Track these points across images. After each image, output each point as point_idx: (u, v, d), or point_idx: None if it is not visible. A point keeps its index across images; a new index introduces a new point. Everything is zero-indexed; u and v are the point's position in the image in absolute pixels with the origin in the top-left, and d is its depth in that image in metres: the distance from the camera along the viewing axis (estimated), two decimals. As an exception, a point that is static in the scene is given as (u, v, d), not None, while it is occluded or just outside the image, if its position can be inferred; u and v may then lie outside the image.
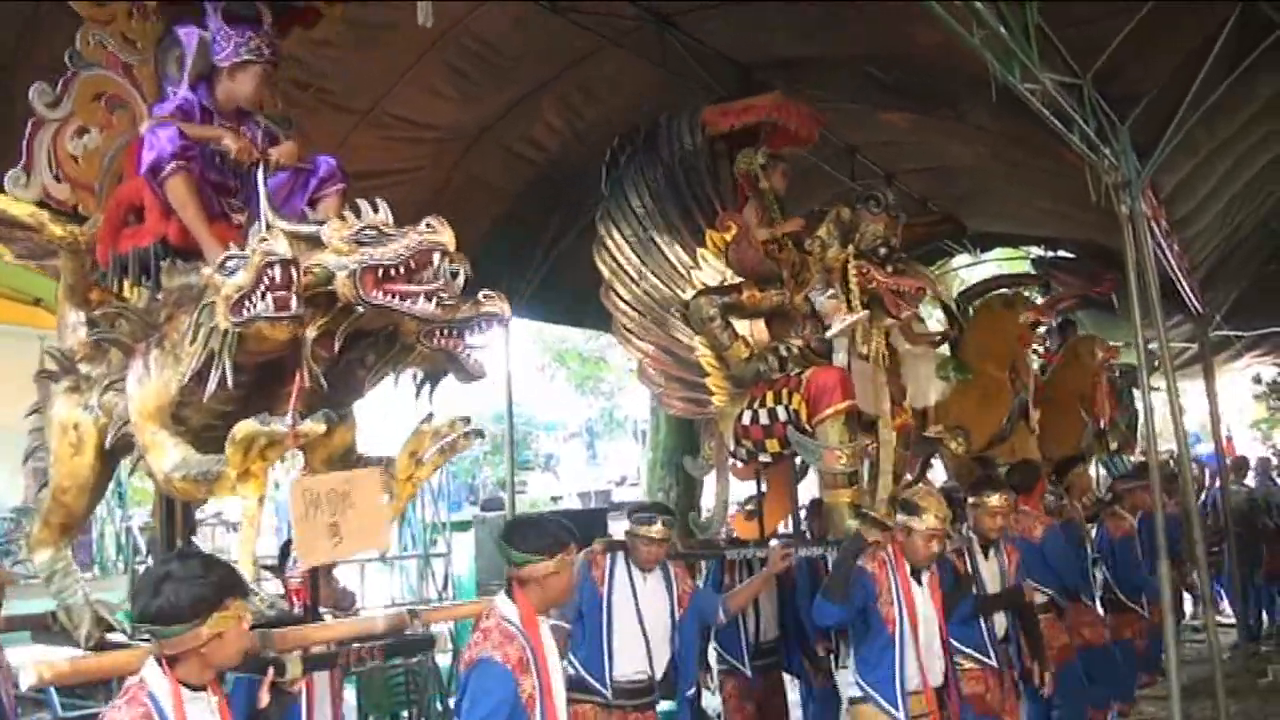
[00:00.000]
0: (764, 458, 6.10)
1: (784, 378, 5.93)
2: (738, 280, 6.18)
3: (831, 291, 5.96)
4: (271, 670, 3.11)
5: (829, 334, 5.93)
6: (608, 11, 6.51)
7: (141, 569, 6.02)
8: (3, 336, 7.54)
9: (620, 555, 5.40)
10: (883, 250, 5.93)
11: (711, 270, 6.20)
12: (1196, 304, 10.23)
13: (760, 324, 6.32)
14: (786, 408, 5.79)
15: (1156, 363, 7.63)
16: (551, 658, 3.65)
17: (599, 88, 7.42)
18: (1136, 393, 10.24)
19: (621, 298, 6.32)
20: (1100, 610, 8.14)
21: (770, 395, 5.90)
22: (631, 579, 5.34)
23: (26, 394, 4.16)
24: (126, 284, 3.88)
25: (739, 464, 6.40)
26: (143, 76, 4.07)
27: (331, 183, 4.04)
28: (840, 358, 5.92)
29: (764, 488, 6.73)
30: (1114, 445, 10.22)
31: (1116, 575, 8.28)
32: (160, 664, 2.76)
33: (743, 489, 7.16)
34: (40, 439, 4.09)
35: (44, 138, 3.85)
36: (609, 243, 6.35)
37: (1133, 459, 10.59)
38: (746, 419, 5.99)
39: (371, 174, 6.93)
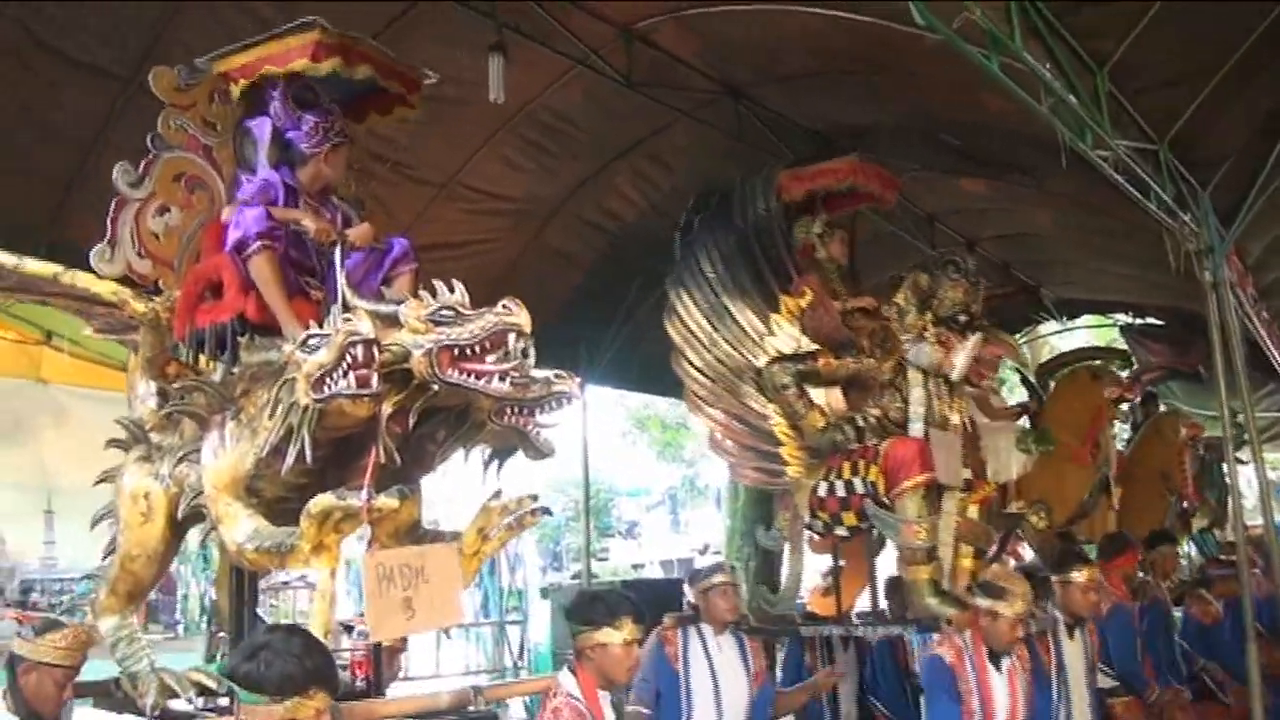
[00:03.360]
0: (840, 531, 5.89)
1: (861, 448, 5.74)
2: (813, 347, 6.02)
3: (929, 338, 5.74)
4: None
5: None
6: (681, 86, 6.57)
7: (214, 634, 6.05)
8: (96, 402, 7.71)
9: (692, 629, 5.22)
10: (962, 318, 5.75)
11: (785, 336, 6.05)
12: (1289, 374, 9.91)
13: (837, 393, 6.10)
14: (864, 480, 5.59)
15: (1245, 435, 7.37)
16: None
17: (674, 158, 7.49)
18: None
19: (693, 364, 6.24)
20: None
21: (847, 466, 5.71)
22: (706, 649, 5.14)
23: (117, 458, 4.19)
24: (202, 358, 3.99)
25: (816, 537, 6.24)
26: (222, 159, 4.20)
27: (405, 262, 4.12)
28: (917, 427, 5.68)
29: (840, 562, 6.54)
30: (1203, 523, 9.79)
31: (1203, 662, 7.89)
32: None
33: (819, 563, 7.00)
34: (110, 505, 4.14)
35: (127, 216, 3.99)
36: (680, 308, 6.29)
37: (1221, 536, 10.18)
38: (823, 490, 5.81)
39: (450, 245, 7.08)
